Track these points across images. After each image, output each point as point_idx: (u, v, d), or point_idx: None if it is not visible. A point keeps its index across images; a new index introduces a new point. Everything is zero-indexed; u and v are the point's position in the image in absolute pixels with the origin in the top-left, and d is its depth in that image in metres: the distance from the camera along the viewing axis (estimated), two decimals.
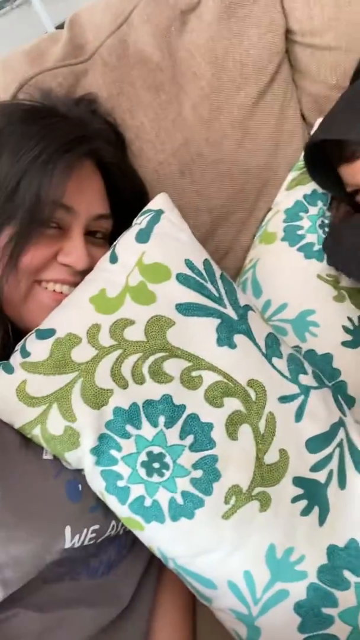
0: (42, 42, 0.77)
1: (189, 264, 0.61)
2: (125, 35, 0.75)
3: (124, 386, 0.54)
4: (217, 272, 0.63)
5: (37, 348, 0.56)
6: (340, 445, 0.58)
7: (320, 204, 0.77)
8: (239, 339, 0.58)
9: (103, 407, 0.54)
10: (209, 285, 0.60)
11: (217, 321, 0.58)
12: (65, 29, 0.77)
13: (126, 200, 0.70)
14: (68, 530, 0.52)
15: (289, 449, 0.56)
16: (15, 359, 0.56)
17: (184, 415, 0.55)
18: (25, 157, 0.58)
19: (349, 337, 0.69)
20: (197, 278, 0.60)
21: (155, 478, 0.53)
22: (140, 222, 0.64)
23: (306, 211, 0.77)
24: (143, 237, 0.62)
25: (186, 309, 0.58)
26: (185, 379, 0.56)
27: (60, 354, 0.55)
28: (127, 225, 0.65)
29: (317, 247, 0.73)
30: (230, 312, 0.60)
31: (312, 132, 0.79)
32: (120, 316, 0.57)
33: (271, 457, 0.55)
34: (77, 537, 0.53)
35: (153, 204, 0.65)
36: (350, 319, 0.71)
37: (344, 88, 0.76)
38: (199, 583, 0.56)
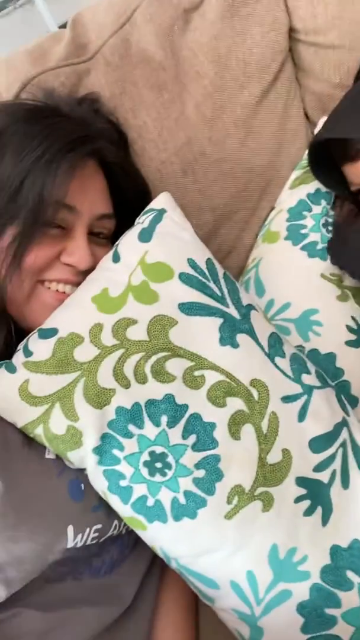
0: (44, 41, 0.77)
1: (191, 263, 0.60)
2: (128, 35, 0.75)
3: (127, 386, 0.54)
4: (220, 271, 0.62)
5: (39, 347, 0.56)
6: (343, 445, 0.58)
7: (323, 202, 0.77)
8: (241, 338, 0.58)
9: (105, 407, 0.54)
10: (212, 285, 0.60)
11: (219, 320, 0.58)
12: (68, 29, 0.77)
13: (129, 199, 0.70)
14: (70, 529, 0.52)
15: (291, 448, 0.56)
16: (18, 358, 0.56)
17: (187, 415, 0.54)
18: (28, 157, 0.58)
19: (352, 337, 0.69)
20: (200, 277, 0.60)
21: (158, 478, 0.53)
22: (143, 221, 0.63)
23: (309, 210, 0.76)
24: (145, 236, 0.62)
25: (189, 309, 0.58)
26: (187, 378, 0.56)
27: (62, 354, 0.55)
28: (129, 224, 0.65)
29: (320, 246, 0.73)
30: (232, 311, 0.59)
31: (315, 131, 0.79)
32: (122, 315, 0.57)
33: (274, 457, 0.55)
34: (79, 536, 0.53)
35: (155, 203, 0.65)
36: (354, 318, 0.70)
37: (348, 86, 0.76)
38: (202, 583, 0.56)
